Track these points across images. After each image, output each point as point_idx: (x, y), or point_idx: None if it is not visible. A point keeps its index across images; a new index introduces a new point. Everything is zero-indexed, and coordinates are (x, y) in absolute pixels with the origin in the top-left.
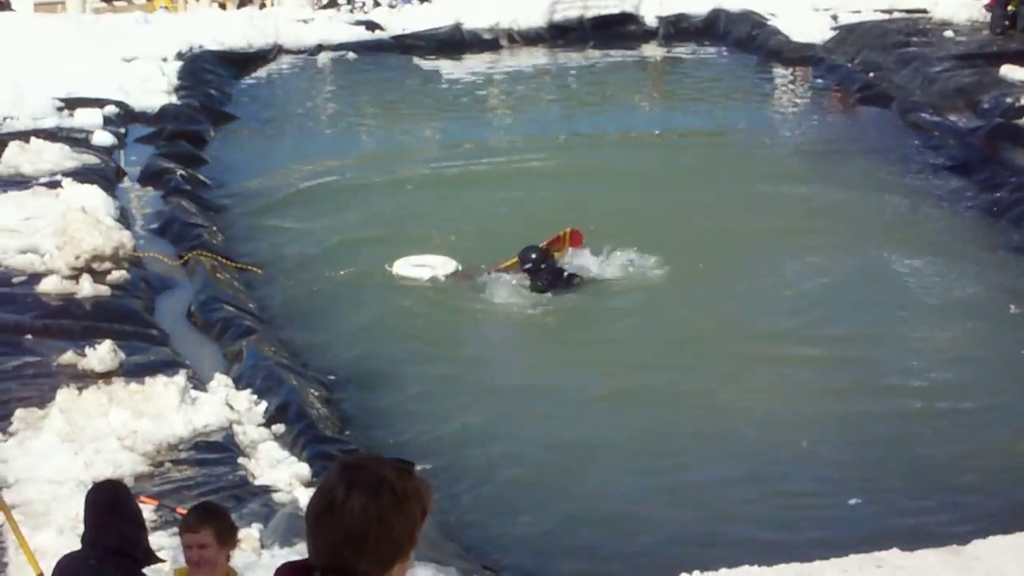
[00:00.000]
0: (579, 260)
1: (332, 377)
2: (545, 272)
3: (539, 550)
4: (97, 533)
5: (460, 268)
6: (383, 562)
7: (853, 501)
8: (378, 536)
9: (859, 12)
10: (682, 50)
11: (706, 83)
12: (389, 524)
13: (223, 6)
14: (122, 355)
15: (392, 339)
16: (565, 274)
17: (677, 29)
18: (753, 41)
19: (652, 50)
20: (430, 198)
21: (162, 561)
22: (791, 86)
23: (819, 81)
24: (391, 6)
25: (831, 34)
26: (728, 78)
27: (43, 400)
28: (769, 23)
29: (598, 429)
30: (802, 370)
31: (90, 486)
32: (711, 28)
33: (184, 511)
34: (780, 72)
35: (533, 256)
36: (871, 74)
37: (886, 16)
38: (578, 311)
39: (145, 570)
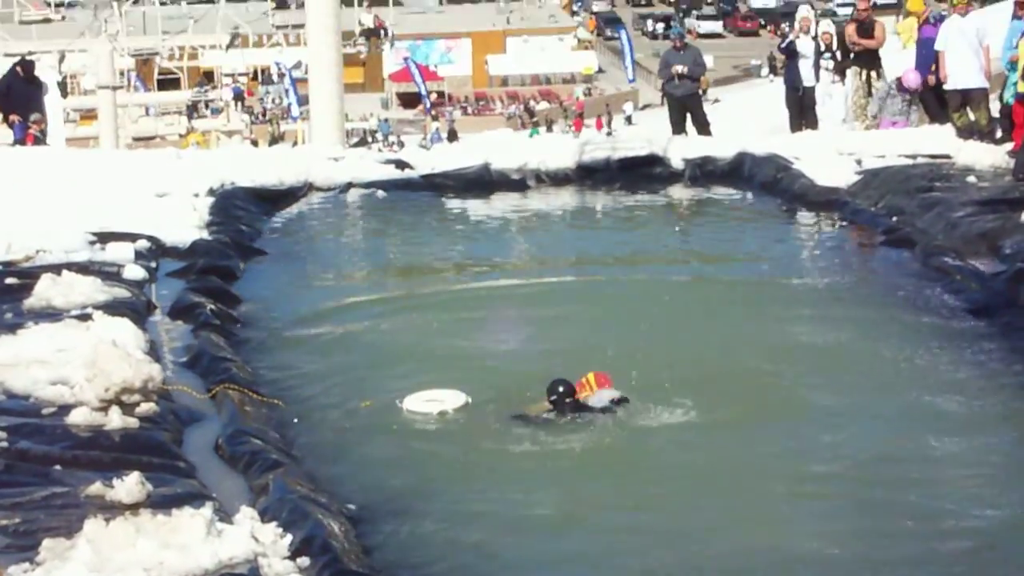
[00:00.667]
0: (601, 398)
1: (352, 506)
2: (569, 407)
3: None
4: None
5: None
6: None
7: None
8: None
9: (883, 157)
10: (707, 192)
11: (731, 225)
12: None
13: (255, 143)
14: (149, 487)
15: (411, 472)
16: (594, 407)
17: (703, 171)
18: (778, 184)
19: (678, 192)
20: (452, 331)
21: None
22: (814, 229)
23: (842, 224)
24: (422, 146)
25: (855, 178)
26: (752, 220)
27: (70, 530)
28: (793, 167)
29: (626, 566)
30: (837, 512)
31: None
32: (736, 171)
33: None
34: (804, 215)
35: (560, 390)
36: (894, 218)
37: (910, 161)
38: (601, 447)
39: None
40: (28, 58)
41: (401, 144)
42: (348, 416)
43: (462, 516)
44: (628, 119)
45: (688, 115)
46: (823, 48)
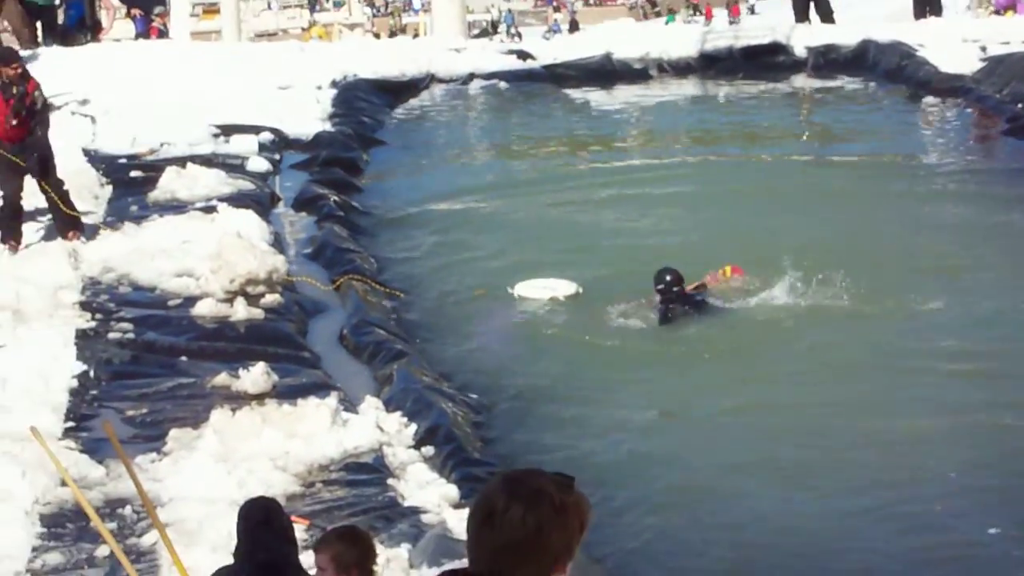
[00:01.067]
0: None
1: (475, 396)
2: (676, 298)
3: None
4: (249, 548)
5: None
6: (540, 571)
7: (994, 531)
8: (535, 546)
9: (1008, 43)
10: (831, 81)
11: (857, 112)
12: (547, 535)
13: (377, 35)
14: (275, 377)
15: (530, 360)
16: (697, 299)
17: (826, 60)
18: (902, 72)
19: (802, 80)
20: (571, 222)
21: None
22: (938, 116)
23: (968, 111)
24: (545, 37)
25: (979, 65)
26: (875, 109)
27: (197, 421)
28: (918, 54)
29: (739, 453)
30: (957, 396)
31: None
32: (860, 58)
33: None
34: (929, 102)
35: (668, 278)
36: (1019, 105)
37: None
38: (712, 333)
39: None
40: None
41: (520, 36)
42: (466, 303)
43: (575, 407)
44: (751, 8)
45: (812, 3)
46: None
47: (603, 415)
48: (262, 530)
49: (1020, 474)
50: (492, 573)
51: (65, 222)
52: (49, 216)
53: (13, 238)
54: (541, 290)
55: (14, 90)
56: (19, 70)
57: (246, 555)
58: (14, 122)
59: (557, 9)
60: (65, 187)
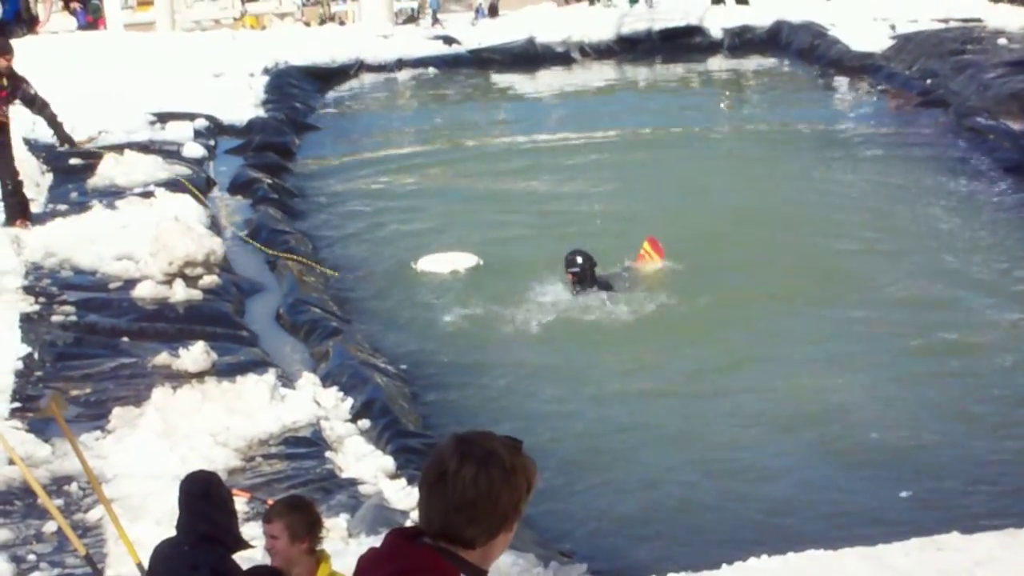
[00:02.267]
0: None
1: (404, 367)
2: (589, 279)
3: (610, 536)
4: (190, 520)
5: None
6: (489, 530)
7: (913, 487)
8: (486, 506)
9: (916, 21)
10: (746, 61)
11: (769, 90)
12: (497, 495)
13: (307, 24)
14: (214, 356)
15: (455, 335)
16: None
17: (741, 40)
18: (815, 51)
19: (718, 61)
20: (495, 200)
21: (252, 547)
22: (851, 93)
23: (879, 88)
24: (472, 23)
25: (889, 43)
26: (790, 86)
27: (139, 399)
28: (830, 33)
29: (661, 418)
30: (866, 361)
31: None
32: (774, 39)
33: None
34: (840, 80)
35: (579, 261)
36: (928, 81)
37: (942, 25)
38: (629, 310)
39: (236, 556)
40: None
41: (440, 22)
42: (395, 280)
43: (505, 378)
44: None
45: None
46: None
47: (527, 386)
48: (202, 503)
49: (928, 431)
50: (443, 532)
51: (16, 209)
52: None
53: (23, 216)
54: (442, 264)
55: (4, 81)
56: (10, 61)
57: (188, 527)
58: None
59: None
60: (20, 177)
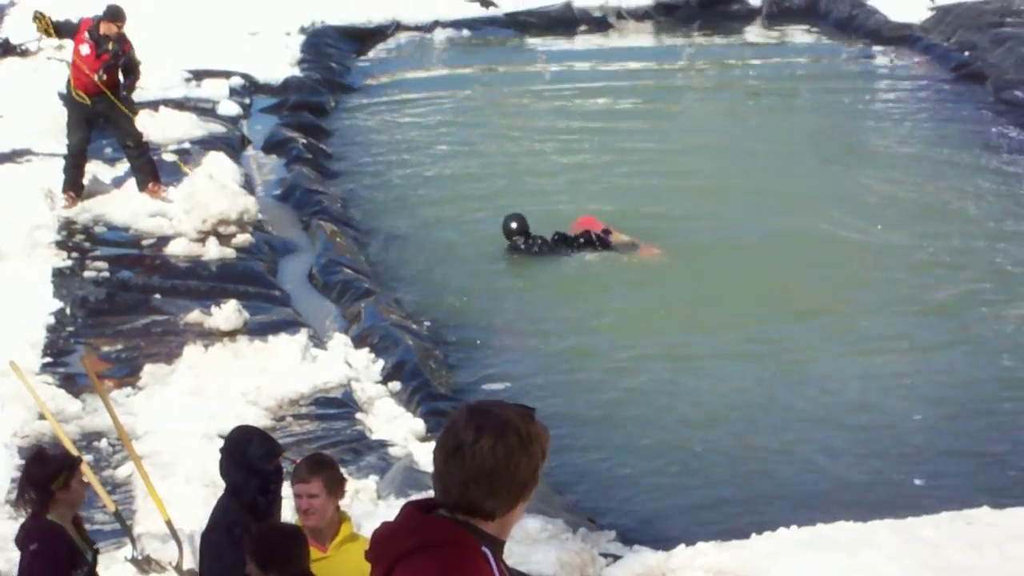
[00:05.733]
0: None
1: (434, 327)
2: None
3: (638, 503)
4: (221, 472)
5: None
6: (509, 500)
7: (943, 461)
8: (505, 475)
9: None
10: (784, 30)
11: (807, 62)
12: (515, 464)
13: None
14: (246, 314)
15: (486, 300)
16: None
17: (780, 9)
18: (853, 21)
19: (756, 30)
20: (530, 162)
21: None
22: (889, 64)
23: (915, 60)
24: None
25: (928, 15)
26: (828, 57)
27: (171, 356)
28: (868, 3)
29: (690, 383)
30: (893, 338)
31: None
32: (813, 8)
33: None
34: (878, 50)
35: (513, 225)
36: (966, 53)
37: None
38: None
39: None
40: None
41: None
42: (428, 242)
43: (532, 340)
44: None
45: None
46: None
47: (554, 352)
48: (225, 458)
49: (960, 405)
50: (461, 504)
51: (146, 174)
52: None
53: (73, 189)
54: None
55: (109, 46)
56: (122, 28)
57: (224, 478)
58: (104, 76)
59: None
60: (145, 138)
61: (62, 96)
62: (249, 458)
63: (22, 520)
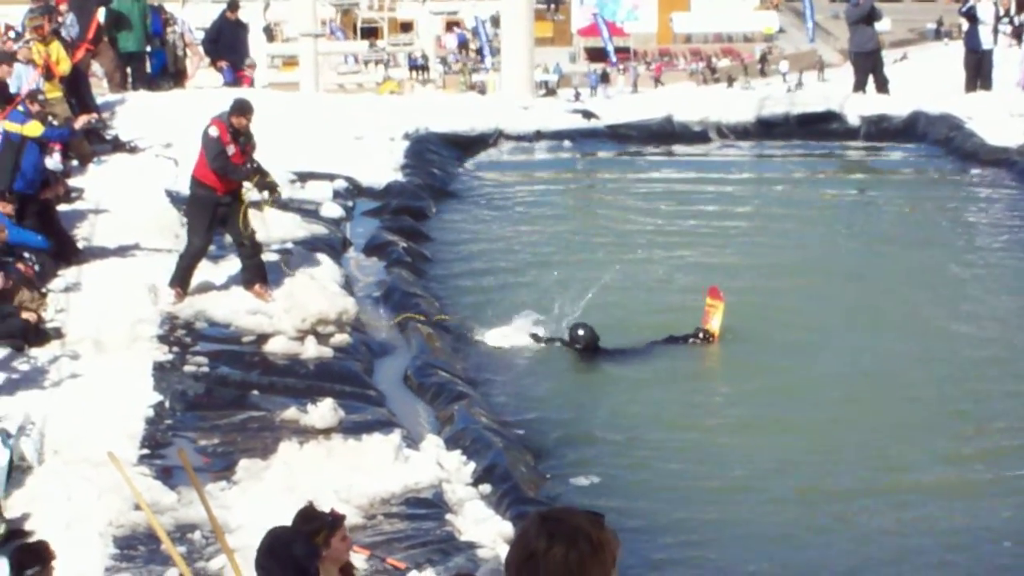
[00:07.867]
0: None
1: (521, 432)
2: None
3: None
4: (260, 572)
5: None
6: None
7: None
8: None
9: None
10: (881, 149)
11: (903, 178)
12: (587, 572)
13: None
14: (341, 413)
15: (577, 405)
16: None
17: (878, 128)
18: (950, 142)
19: (854, 148)
20: (629, 277)
21: None
22: (984, 186)
23: (1011, 183)
24: (604, 95)
25: None
26: (924, 175)
27: (266, 452)
28: (966, 126)
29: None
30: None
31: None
32: (910, 128)
33: (394, 562)
34: (975, 172)
35: (580, 333)
36: None
37: None
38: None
39: None
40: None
41: (578, 95)
42: (520, 349)
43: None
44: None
45: (872, 74)
46: (1001, 13)
47: (643, 452)
48: (265, 557)
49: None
50: None
51: (254, 274)
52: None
53: (181, 285)
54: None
55: (240, 139)
56: (251, 120)
57: None
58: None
59: (623, 71)
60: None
61: (169, 193)
62: (295, 556)
63: None
